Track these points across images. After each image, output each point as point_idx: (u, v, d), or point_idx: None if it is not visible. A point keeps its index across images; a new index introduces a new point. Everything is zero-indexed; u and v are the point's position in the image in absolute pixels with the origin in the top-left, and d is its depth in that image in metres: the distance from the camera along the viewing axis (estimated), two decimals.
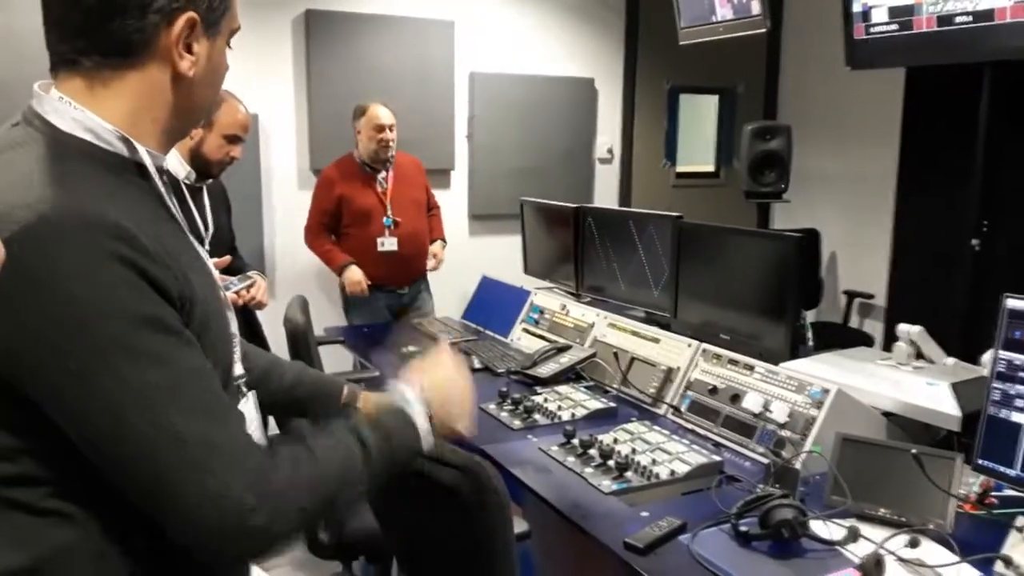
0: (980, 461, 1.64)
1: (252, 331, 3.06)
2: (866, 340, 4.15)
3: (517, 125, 4.88)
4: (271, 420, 2.85)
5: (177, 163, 2.62)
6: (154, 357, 0.88)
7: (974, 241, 3.31)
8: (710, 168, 5.86)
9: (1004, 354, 1.61)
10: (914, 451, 1.63)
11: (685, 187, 5.68)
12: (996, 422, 1.61)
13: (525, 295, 3.29)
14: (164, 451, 0.87)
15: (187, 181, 2.66)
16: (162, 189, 1.03)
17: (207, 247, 2.70)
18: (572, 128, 5.08)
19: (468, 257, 4.45)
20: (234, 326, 1.14)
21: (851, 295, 4.70)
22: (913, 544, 1.56)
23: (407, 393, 1.16)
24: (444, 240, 4.02)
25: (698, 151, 5.83)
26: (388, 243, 3.69)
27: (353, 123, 3.76)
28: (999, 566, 1.47)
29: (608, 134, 5.26)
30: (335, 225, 3.80)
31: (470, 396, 1.27)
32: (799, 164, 4.29)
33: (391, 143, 3.68)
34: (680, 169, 5.73)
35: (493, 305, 3.45)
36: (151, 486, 0.89)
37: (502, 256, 3.77)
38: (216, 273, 1.15)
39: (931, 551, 1.55)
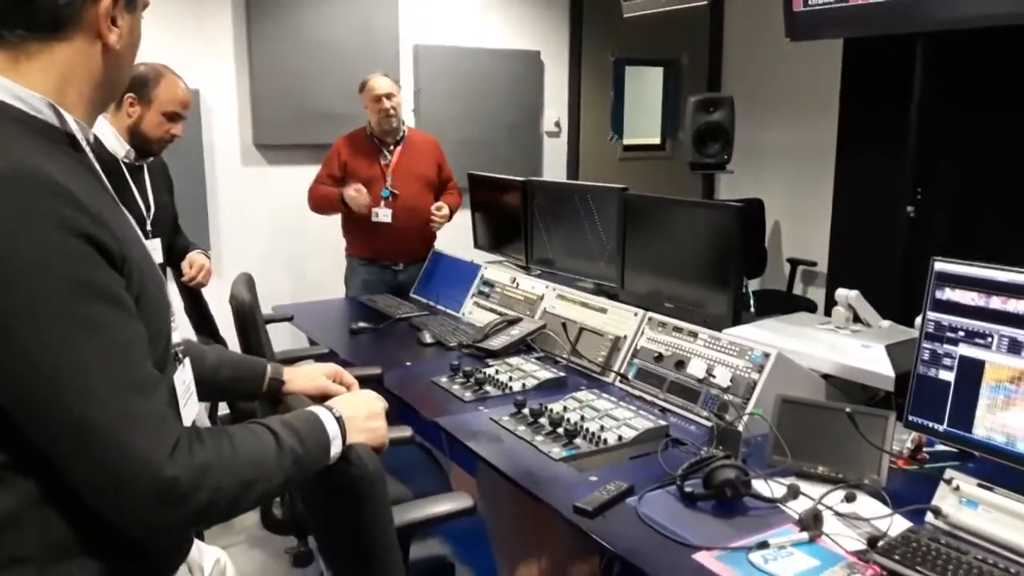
0: (911, 418, 1.71)
1: (199, 310, 3.02)
2: (809, 306, 4.26)
3: (463, 98, 4.86)
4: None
5: (116, 141, 2.56)
6: (84, 322, 0.88)
7: (909, 208, 3.41)
8: (656, 140, 5.92)
9: (932, 315, 1.69)
10: (848, 410, 1.70)
11: (632, 160, 5.74)
12: (925, 380, 1.69)
13: (475, 269, 3.31)
14: (86, 419, 0.88)
15: (127, 160, 2.60)
16: (94, 161, 1.02)
17: (149, 227, 2.66)
18: (518, 101, 5.07)
19: None
20: (170, 295, 1.14)
21: (794, 263, 4.81)
22: (849, 499, 1.63)
23: (318, 407, 1.21)
24: (452, 208, 3.76)
25: (645, 124, 5.89)
26: (383, 214, 3.59)
27: (359, 97, 3.66)
28: (929, 516, 1.54)
29: (555, 107, 5.27)
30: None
31: (381, 409, 1.32)
32: (743, 135, 4.35)
33: (392, 112, 3.57)
34: (627, 142, 5.78)
35: (444, 280, 3.46)
36: (72, 452, 0.89)
37: (451, 230, 3.76)
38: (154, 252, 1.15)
39: (866, 505, 1.62)
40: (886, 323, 2.30)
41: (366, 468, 1.17)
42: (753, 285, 4.59)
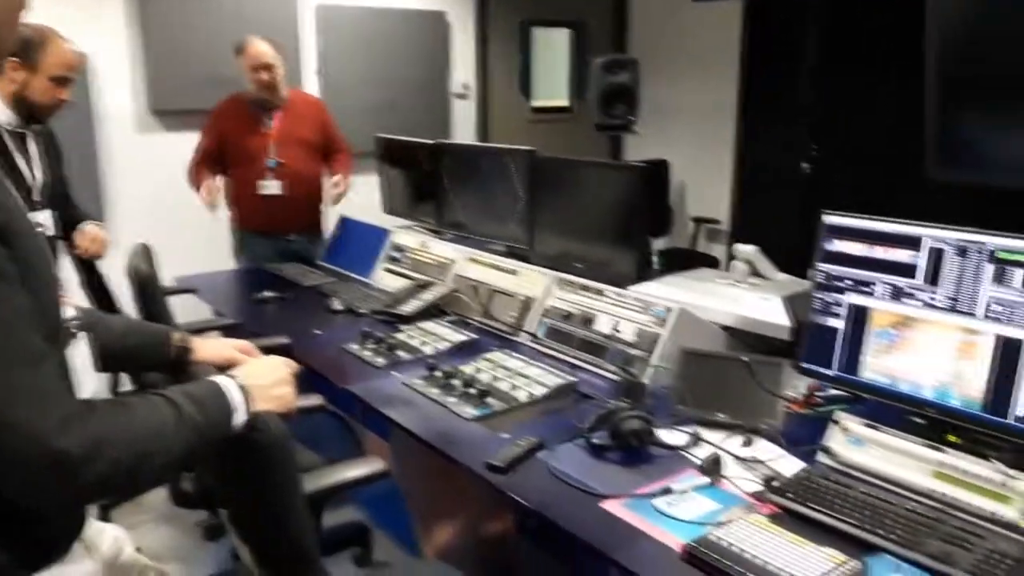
0: (804, 365, 1.80)
1: (95, 283, 2.90)
2: (711, 262, 4.40)
3: (369, 60, 4.76)
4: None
5: None
6: None
7: (805, 165, 3.55)
8: (565, 103, 5.95)
9: (823, 266, 1.77)
10: (745, 359, 1.78)
11: (542, 122, 5.75)
12: (817, 328, 1.78)
13: (384, 234, 3.27)
14: None
15: (8, 127, 2.46)
16: None
17: (36, 197, 2.53)
18: (426, 63, 5.01)
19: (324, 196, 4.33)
20: (61, 268, 1.10)
21: (698, 221, 4.95)
22: (747, 443, 1.72)
23: (220, 376, 1.18)
24: (345, 176, 3.61)
25: (553, 85, 5.90)
26: (271, 186, 3.46)
27: (236, 60, 3.46)
28: (821, 456, 1.64)
29: (463, 69, 5.22)
30: (220, 164, 3.54)
31: (287, 375, 1.31)
32: (649, 96, 4.42)
33: (274, 82, 3.41)
34: (536, 104, 5.78)
35: (353, 246, 3.41)
36: None
37: (360, 195, 3.70)
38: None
39: (763, 448, 1.71)
40: (783, 276, 2.40)
41: (271, 434, 1.17)
42: (660, 244, 4.71)
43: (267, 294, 2.93)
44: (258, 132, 3.49)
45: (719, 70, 4.67)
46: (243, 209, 3.59)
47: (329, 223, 3.71)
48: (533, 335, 2.40)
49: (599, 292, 2.33)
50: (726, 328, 2.21)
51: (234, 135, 3.49)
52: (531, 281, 2.54)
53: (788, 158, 3.69)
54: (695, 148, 5.02)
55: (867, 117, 3.88)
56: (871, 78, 3.73)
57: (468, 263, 2.81)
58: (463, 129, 5.28)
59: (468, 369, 2.11)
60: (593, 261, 2.61)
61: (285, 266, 3.40)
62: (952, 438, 1.55)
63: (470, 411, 1.89)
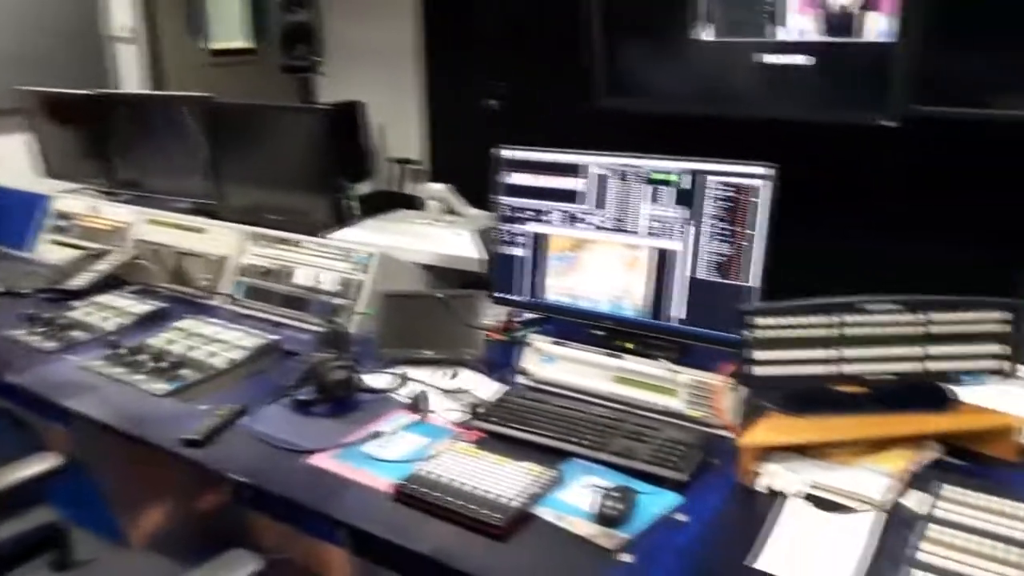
0: (496, 294, 1.89)
1: None
2: (415, 203, 4.44)
3: None
4: None
5: None
6: None
7: (492, 101, 3.67)
8: (247, 44, 5.59)
9: (503, 199, 1.85)
10: (439, 295, 1.82)
11: (223, 66, 5.35)
12: (504, 259, 1.86)
13: (43, 201, 2.88)
14: None
15: None
16: None
17: None
18: (69, 3, 4.39)
19: None
20: None
21: (399, 162, 4.96)
22: (453, 376, 1.78)
23: None
24: None
25: (231, 26, 5.50)
26: None
27: None
28: (518, 377, 1.74)
29: (121, 10, 4.67)
30: None
31: None
32: (336, 36, 4.29)
33: None
34: (215, 46, 5.37)
35: (4, 218, 2.96)
36: None
37: (8, 160, 3.22)
38: None
39: (468, 378, 1.78)
40: (475, 211, 2.48)
41: None
42: (363, 188, 4.65)
43: None
44: None
45: (403, 8, 4.65)
46: None
47: None
48: (230, 296, 2.27)
49: (297, 244, 2.25)
50: (427, 267, 2.25)
51: None
52: (222, 239, 2.39)
53: (474, 95, 3.79)
54: (388, 88, 4.98)
55: (543, 50, 4.08)
56: (542, 10, 3.89)
57: (148, 225, 2.57)
58: (132, 76, 4.76)
59: (157, 342, 1.95)
60: (288, 212, 2.51)
61: None
62: (627, 345, 1.72)
63: (162, 386, 1.75)
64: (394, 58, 4.89)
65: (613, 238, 1.73)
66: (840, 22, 2.02)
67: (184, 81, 4.90)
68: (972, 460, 1.37)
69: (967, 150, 2.27)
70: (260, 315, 2.18)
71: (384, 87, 4.98)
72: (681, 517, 1.27)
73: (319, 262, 2.17)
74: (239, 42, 5.53)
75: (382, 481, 1.38)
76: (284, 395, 1.66)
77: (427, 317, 1.86)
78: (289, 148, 2.52)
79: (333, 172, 2.49)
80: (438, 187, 2.40)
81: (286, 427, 1.57)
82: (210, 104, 2.68)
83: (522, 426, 1.53)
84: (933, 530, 1.18)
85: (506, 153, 1.83)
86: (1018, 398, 1.44)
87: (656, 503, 1.30)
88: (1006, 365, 1.37)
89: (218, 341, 1.96)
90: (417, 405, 1.62)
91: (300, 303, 2.14)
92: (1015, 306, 1.36)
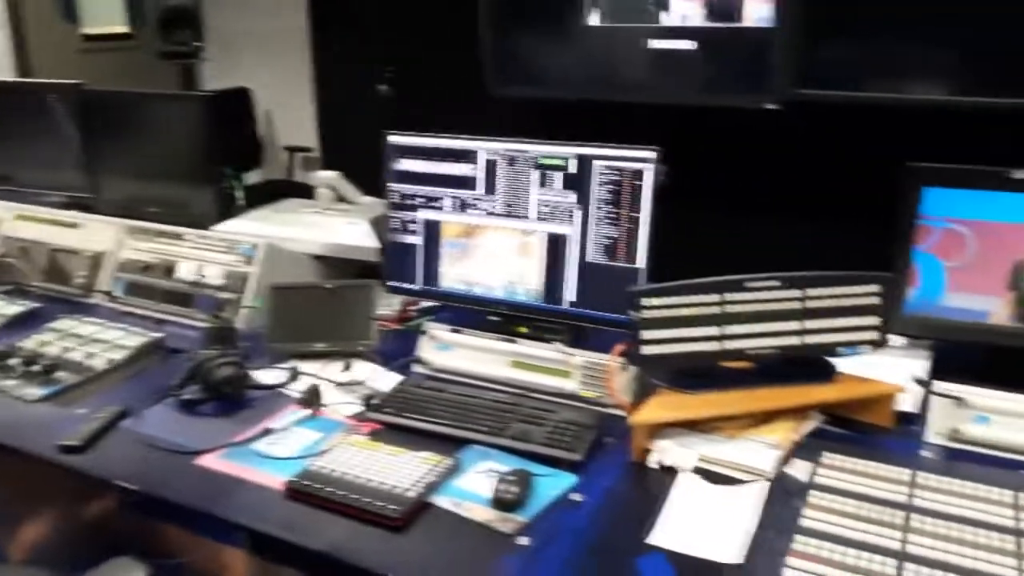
0: (390, 283, 1.86)
1: None
2: (306, 192, 4.33)
3: None
4: None
5: None
6: None
7: (382, 87, 3.60)
8: (123, 28, 5.30)
9: (395, 186, 1.82)
10: (329, 286, 1.78)
11: (97, 51, 5.06)
12: (397, 247, 1.84)
13: None
14: None
15: None
16: None
17: None
18: None
19: None
20: None
21: (291, 150, 4.82)
22: (347, 368, 1.74)
23: None
24: None
25: (105, 9, 5.21)
26: None
27: None
28: (415, 366, 1.72)
29: None
30: None
31: None
32: (219, 22, 4.12)
33: None
34: (88, 31, 5.07)
35: None
36: None
37: None
38: None
39: (363, 369, 1.74)
40: (368, 199, 2.43)
41: None
42: (253, 177, 4.51)
43: None
44: None
45: None
46: None
47: None
48: (109, 294, 2.16)
49: (178, 236, 2.16)
50: (318, 257, 2.19)
51: None
52: (98, 233, 2.27)
53: (365, 81, 3.71)
54: (276, 75, 4.82)
55: (436, 36, 4.04)
56: None
57: (16, 221, 2.41)
58: None
59: (29, 344, 1.84)
60: (169, 204, 2.40)
61: None
62: (522, 329, 1.73)
63: (35, 391, 1.65)
64: (283, 43, 4.73)
65: (505, 223, 1.73)
66: (721, 8, 2.07)
67: (54, 68, 4.62)
68: (851, 428, 1.45)
69: (846, 133, 2.38)
70: (142, 312, 2.09)
71: (274, 73, 4.81)
72: (577, 497, 1.29)
73: (202, 255, 2.09)
74: (115, 27, 5.25)
75: (275, 479, 1.34)
76: (169, 395, 1.60)
77: (318, 309, 1.82)
78: (168, 137, 2.41)
79: (216, 161, 2.40)
80: (328, 175, 2.34)
81: (172, 428, 1.51)
82: (81, 91, 2.54)
83: (418, 415, 1.51)
84: (815, 496, 1.23)
85: (396, 139, 1.80)
86: (891, 367, 1.52)
87: (553, 485, 1.31)
88: (879, 336, 1.44)
89: (97, 341, 1.86)
90: (309, 400, 1.59)
91: (184, 298, 2.06)
92: (886, 279, 1.44)
